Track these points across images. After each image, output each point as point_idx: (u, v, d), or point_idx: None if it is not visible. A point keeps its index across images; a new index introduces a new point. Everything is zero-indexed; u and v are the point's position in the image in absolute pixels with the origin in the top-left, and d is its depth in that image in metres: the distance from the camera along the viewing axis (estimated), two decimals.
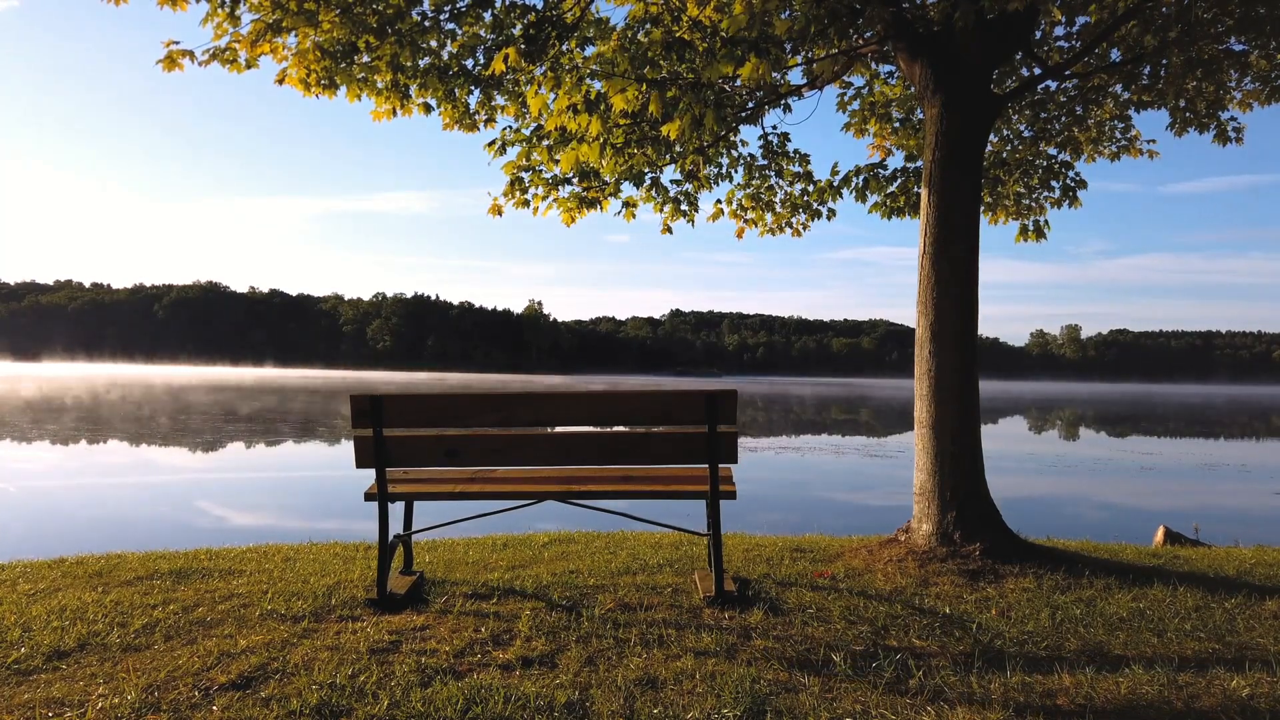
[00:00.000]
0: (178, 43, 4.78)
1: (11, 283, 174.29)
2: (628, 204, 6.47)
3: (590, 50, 5.72)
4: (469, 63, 5.65)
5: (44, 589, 4.04)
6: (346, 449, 17.64)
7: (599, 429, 3.91)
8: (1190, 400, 73.17)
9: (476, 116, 6.03)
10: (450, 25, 5.48)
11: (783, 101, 6.35)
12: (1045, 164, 6.81)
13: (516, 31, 5.47)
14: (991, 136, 6.63)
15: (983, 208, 6.82)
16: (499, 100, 6.01)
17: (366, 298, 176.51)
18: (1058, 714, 2.63)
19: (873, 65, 6.44)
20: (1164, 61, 5.32)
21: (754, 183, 7.10)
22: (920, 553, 4.58)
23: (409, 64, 5.32)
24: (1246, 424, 38.06)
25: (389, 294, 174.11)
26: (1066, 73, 5.70)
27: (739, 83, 5.89)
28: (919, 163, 6.74)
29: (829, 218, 7.24)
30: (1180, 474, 17.24)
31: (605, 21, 5.83)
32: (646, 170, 6.35)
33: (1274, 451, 25.04)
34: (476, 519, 4.26)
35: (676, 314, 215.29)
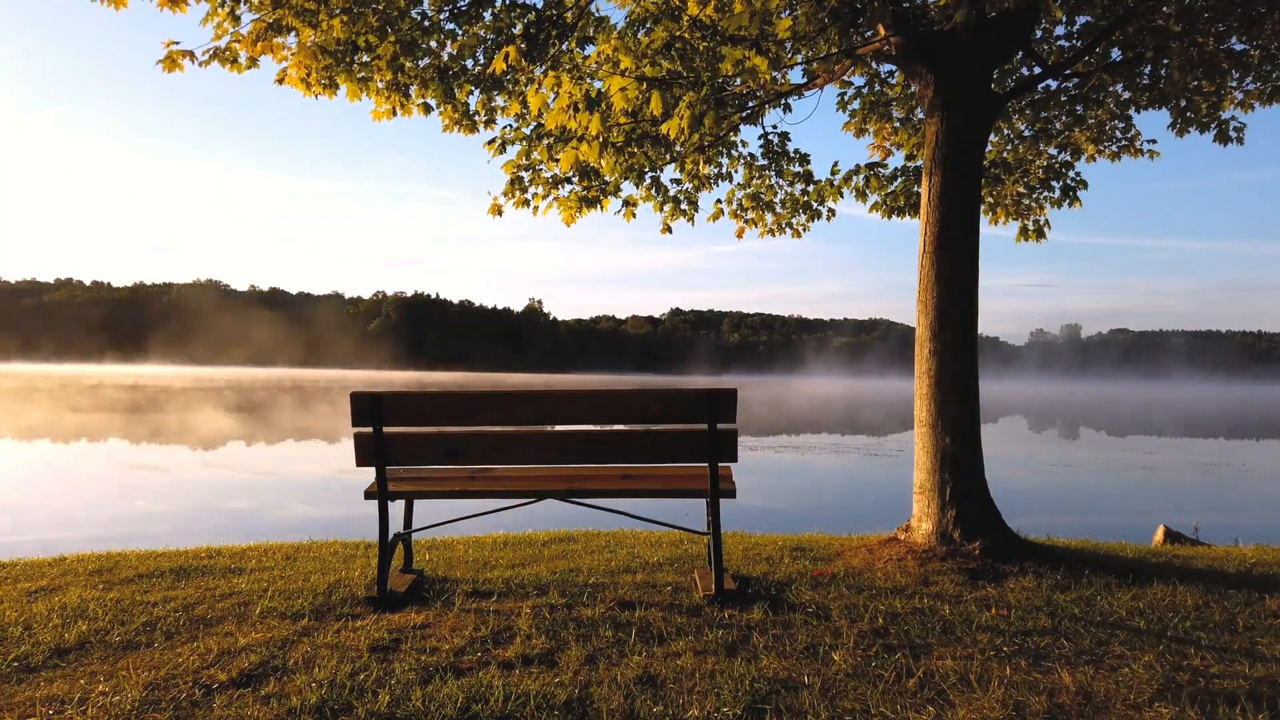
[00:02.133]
0: (178, 43, 4.78)
1: (12, 281, 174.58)
2: (628, 203, 6.47)
3: (590, 49, 5.72)
4: (469, 63, 5.66)
5: (45, 586, 4.05)
6: (346, 447, 17.66)
7: (599, 427, 3.91)
8: (1190, 399, 73.15)
9: (476, 117, 6.03)
10: (450, 25, 5.48)
11: (783, 101, 6.35)
12: (1045, 164, 6.81)
13: (517, 31, 5.47)
14: (992, 136, 6.63)
15: (982, 207, 6.82)
16: (499, 101, 6.01)
17: (366, 296, 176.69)
18: (1058, 713, 2.63)
19: (873, 64, 6.44)
20: (1164, 61, 5.32)
21: (754, 182, 7.10)
22: (920, 551, 4.58)
23: (409, 64, 5.32)
24: (1246, 423, 38.04)
25: (389, 292, 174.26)
26: (1067, 72, 5.70)
27: (739, 81, 5.89)
28: (919, 162, 6.74)
29: (829, 218, 7.25)
30: (1180, 473, 17.24)
31: (605, 21, 5.84)
32: (647, 169, 6.36)
33: (1274, 451, 25.03)
34: (476, 517, 4.26)
35: (676, 312, 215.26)
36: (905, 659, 3.05)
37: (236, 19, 4.87)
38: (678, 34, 4.79)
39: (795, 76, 6.44)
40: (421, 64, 5.44)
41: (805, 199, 7.16)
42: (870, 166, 6.91)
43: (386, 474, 3.79)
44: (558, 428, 3.86)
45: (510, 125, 6.22)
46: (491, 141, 6.22)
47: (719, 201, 7.19)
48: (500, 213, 6.32)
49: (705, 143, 6.41)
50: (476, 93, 5.85)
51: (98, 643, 3.19)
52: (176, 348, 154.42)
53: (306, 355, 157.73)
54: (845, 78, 6.53)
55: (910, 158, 6.87)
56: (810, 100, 6.32)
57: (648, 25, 5.41)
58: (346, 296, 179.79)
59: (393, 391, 3.75)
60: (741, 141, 6.83)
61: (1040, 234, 6.98)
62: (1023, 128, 6.78)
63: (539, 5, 5.51)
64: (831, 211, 7.20)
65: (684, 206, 6.77)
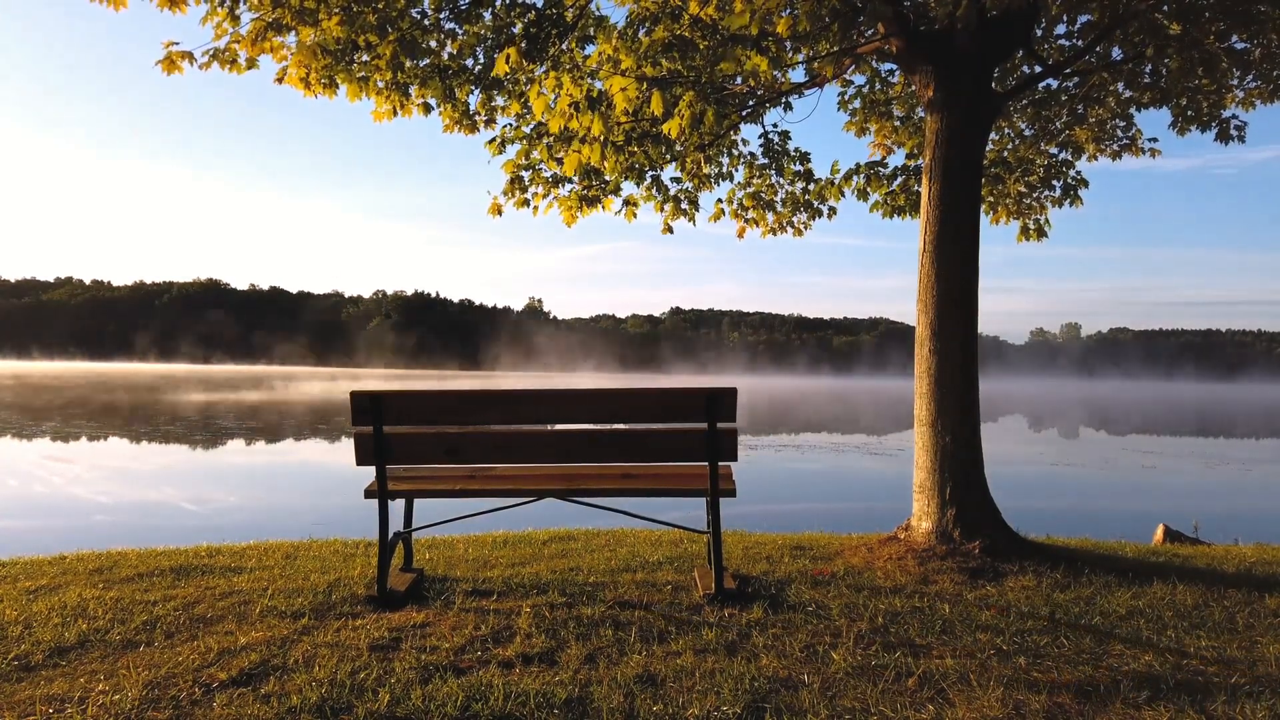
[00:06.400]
0: (177, 43, 4.78)
1: (12, 280, 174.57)
2: (629, 203, 6.47)
3: (591, 49, 5.72)
4: (469, 62, 5.65)
5: (45, 585, 4.05)
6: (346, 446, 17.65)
7: (599, 426, 3.91)
8: (1190, 399, 73.15)
9: (476, 117, 6.02)
10: (450, 24, 5.47)
11: (783, 100, 6.35)
12: (1046, 163, 6.81)
13: (517, 30, 5.46)
14: (992, 135, 6.63)
15: (983, 207, 6.82)
16: (499, 100, 6.01)
17: (367, 295, 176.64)
18: (1057, 712, 2.63)
19: (874, 63, 6.44)
20: (1165, 60, 5.32)
21: (755, 182, 7.10)
22: (920, 550, 4.59)
23: (409, 63, 5.31)
24: (1246, 422, 38.04)
25: (389, 291, 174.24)
26: (1067, 71, 5.70)
27: (740, 81, 5.89)
28: (920, 161, 6.74)
29: (829, 216, 7.25)
30: (1180, 472, 17.24)
31: (605, 20, 5.83)
32: (647, 169, 6.35)
33: (1274, 449, 25.02)
34: (476, 516, 4.27)
35: (676, 311, 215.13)
36: (905, 658, 3.06)
37: (236, 19, 4.87)
38: (678, 33, 4.78)
39: (796, 75, 6.44)
40: (421, 63, 5.43)
41: (806, 198, 7.16)
42: (870, 165, 6.91)
43: (386, 473, 3.79)
44: (558, 427, 3.86)
45: (510, 125, 6.22)
46: (492, 141, 6.22)
47: (720, 201, 7.19)
48: (500, 212, 6.32)
49: (706, 142, 6.41)
50: (476, 92, 5.85)
51: (97, 641, 3.19)
52: (174, 346, 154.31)
53: (307, 354, 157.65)
54: (846, 76, 6.53)
55: (911, 157, 6.87)
56: (810, 99, 6.32)
57: (648, 25, 5.40)
58: (347, 295, 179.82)
59: (392, 391, 3.74)
60: (742, 140, 6.84)
61: (1041, 233, 6.99)
62: (1023, 127, 6.78)
63: (539, 4, 5.51)
64: (833, 210, 7.21)
65: (684, 206, 6.76)
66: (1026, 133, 6.78)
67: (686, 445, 3.82)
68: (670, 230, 6.90)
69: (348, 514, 9.62)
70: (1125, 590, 4.09)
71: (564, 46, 5.55)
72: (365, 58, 5.19)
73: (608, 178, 6.23)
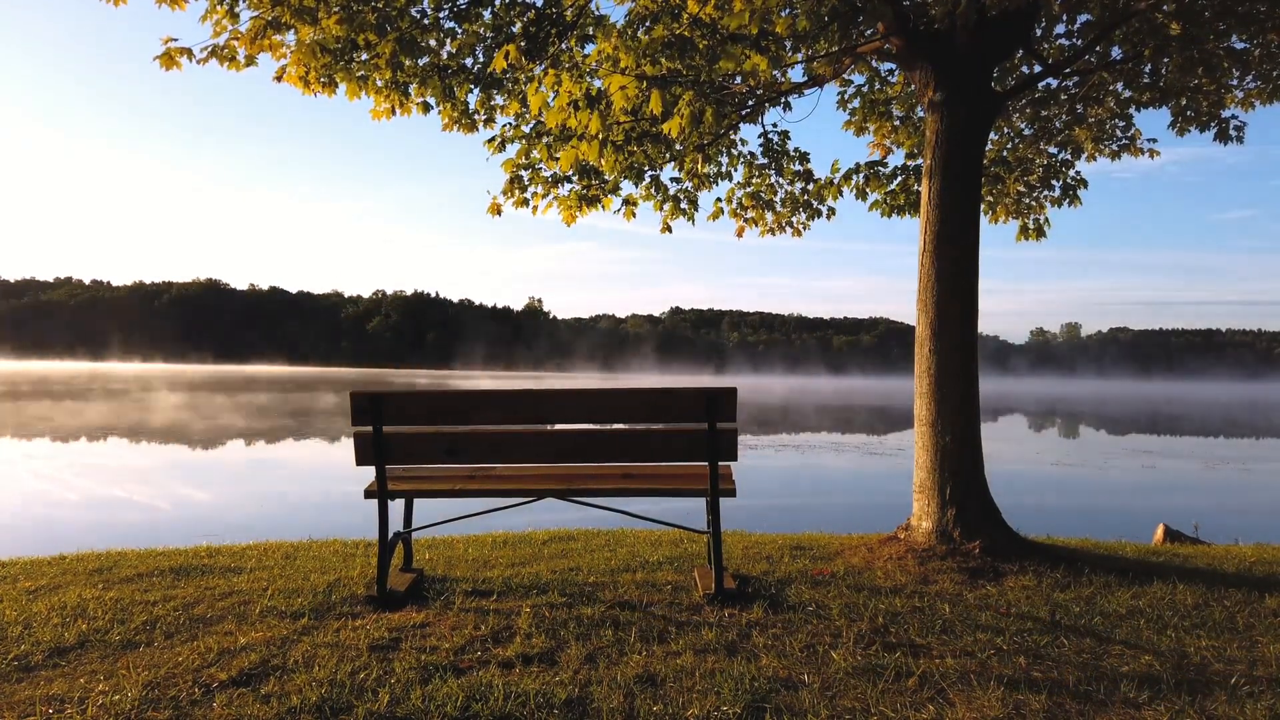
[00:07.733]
0: (176, 40, 4.77)
1: (11, 280, 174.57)
2: (628, 202, 6.46)
3: (590, 48, 5.71)
4: (468, 61, 5.65)
5: (45, 585, 4.05)
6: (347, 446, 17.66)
7: (598, 426, 3.91)
8: (1191, 398, 73.17)
9: (476, 116, 6.02)
10: (449, 24, 5.47)
11: (783, 99, 6.34)
12: (1045, 163, 6.80)
13: (516, 29, 5.46)
14: (992, 135, 6.63)
15: (982, 206, 6.82)
16: (498, 99, 6.00)
17: (366, 295, 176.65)
18: (1057, 712, 2.63)
19: (873, 63, 6.44)
20: (1165, 60, 5.32)
21: (754, 181, 7.10)
22: (920, 550, 4.58)
23: (408, 62, 5.31)
24: (1246, 421, 38.05)
25: (389, 291, 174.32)
26: (1067, 70, 5.70)
27: (739, 80, 5.89)
28: (919, 161, 6.74)
29: (829, 216, 7.24)
30: (1180, 472, 17.24)
31: (605, 19, 5.82)
32: (646, 168, 6.35)
33: (1274, 449, 25.03)
34: (476, 516, 4.26)
35: (676, 311, 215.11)
36: (905, 658, 3.05)
37: (235, 16, 4.86)
38: (678, 32, 4.78)
39: (795, 75, 6.44)
40: (421, 62, 5.43)
41: (805, 198, 7.15)
42: (870, 165, 6.90)
43: (386, 473, 3.78)
44: (557, 427, 3.86)
45: (509, 124, 6.21)
46: (491, 140, 6.22)
47: (719, 200, 7.18)
48: (499, 212, 6.32)
49: (705, 141, 6.40)
50: (476, 91, 5.84)
51: (97, 642, 3.19)
52: (175, 346, 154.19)
53: (306, 354, 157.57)
54: (845, 76, 6.53)
55: (910, 156, 6.86)
56: (810, 99, 6.30)
57: (647, 24, 5.40)
58: (346, 295, 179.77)
59: (392, 391, 3.74)
60: (741, 140, 6.83)
61: (1040, 233, 6.98)
62: (1023, 126, 6.77)
63: (538, 4, 5.50)
64: (831, 210, 7.20)
65: (684, 205, 6.76)
66: (1026, 132, 6.77)
67: (686, 445, 3.81)
68: (669, 229, 6.90)
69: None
70: (1125, 590, 4.09)
71: (564, 46, 5.55)
72: (364, 56, 5.19)
73: (607, 177, 6.22)
